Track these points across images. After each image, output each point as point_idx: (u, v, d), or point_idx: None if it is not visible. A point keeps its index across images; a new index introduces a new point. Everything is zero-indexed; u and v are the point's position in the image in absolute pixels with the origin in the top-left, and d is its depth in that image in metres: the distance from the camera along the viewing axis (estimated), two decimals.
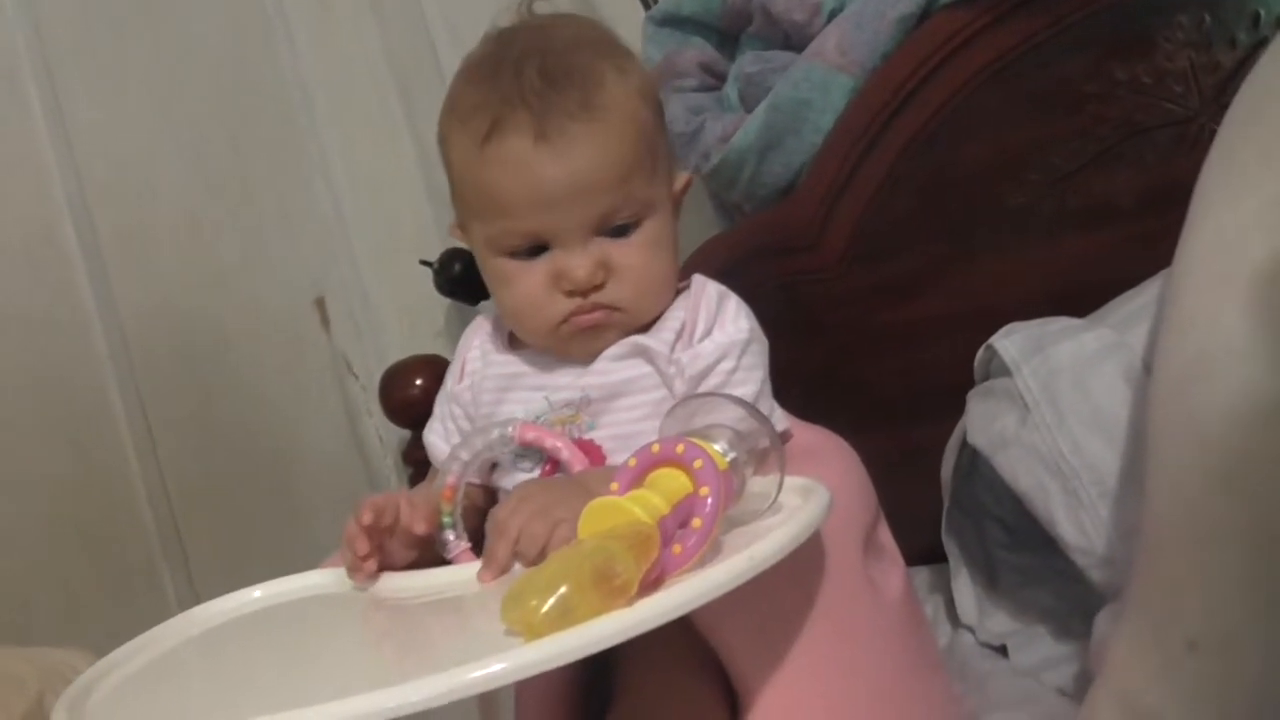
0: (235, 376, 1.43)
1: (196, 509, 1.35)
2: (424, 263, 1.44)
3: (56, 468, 1.24)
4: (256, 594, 0.78)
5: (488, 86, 0.75)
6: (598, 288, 0.76)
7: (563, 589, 0.51)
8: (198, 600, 1.29)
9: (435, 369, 1.31)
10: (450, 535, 0.75)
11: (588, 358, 0.78)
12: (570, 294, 0.76)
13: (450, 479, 0.75)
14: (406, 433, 1.41)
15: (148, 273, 1.35)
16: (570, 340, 0.78)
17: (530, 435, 0.75)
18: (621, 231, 0.76)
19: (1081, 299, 0.94)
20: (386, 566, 0.74)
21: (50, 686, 0.79)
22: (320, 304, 1.54)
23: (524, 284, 0.77)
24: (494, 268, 0.78)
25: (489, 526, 0.76)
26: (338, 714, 0.48)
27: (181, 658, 0.70)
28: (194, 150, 1.43)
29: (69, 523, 1.24)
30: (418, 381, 1.34)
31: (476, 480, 0.79)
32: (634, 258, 0.76)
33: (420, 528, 0.73)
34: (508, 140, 0.74)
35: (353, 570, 0.73)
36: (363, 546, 0.72)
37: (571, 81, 0.74)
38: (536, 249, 0.76)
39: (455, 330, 1.53)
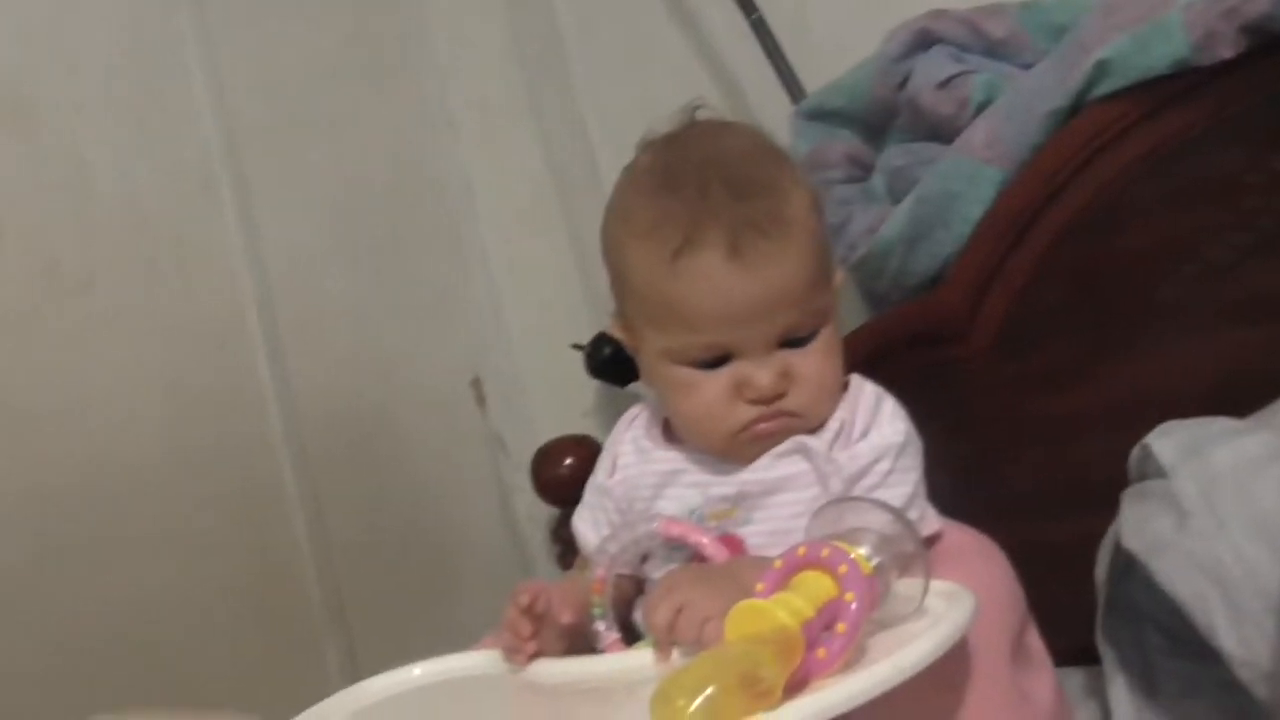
0: (398, 454, 1.50)
1: (359, 581, 1.41)
2: (575, 346, 1.48)
3: (231, 538, 1.33)
4: (416, 672, 0.81)
5: (673, 200, 0.76)
6: (779, 396, 0.77)
7: (709, 690, 0.53)
8: (357, 670, 1.37)
9: (584, 449, 1.35)
10: (601, 626, 0.77)
11: (753, 459, 0.80)
12: (752, 403, 0.77)
13: (599, 571, 0.78)
14: (556, 511, 1.44)
15: (320, 356, 1.44)
16: (746, 446, 0.79)
17: (675, 531, 0.77)
18: (799, 341, 0.77)
19: (1239, 395, 0.92)
20: (539, 654, 0.76)
21: None
22: (476, 385, 1.61)
23: (705, 393, 0.78)
24: (670, 375, 0.79)
25: (639, 618, 0.79)
26: None
27: None
28: (364, 241, 1.53)
29: (241, 592, 1.32)
30: (567, 461, 1.38)
31: (626, 571, 0.81)
32: (813, 366, 0.77)
33: (566, 617, 0.75)
34: (700, 257, 0.74)
35: (512, 652, 0.76)
36: (525, 628, 0.74)
37: (758, 196, 0.75)
38: (717, 360, 0.77)
39: (604, 411, 1.57)
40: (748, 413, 0.77)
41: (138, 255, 1.30)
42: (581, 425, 1.54)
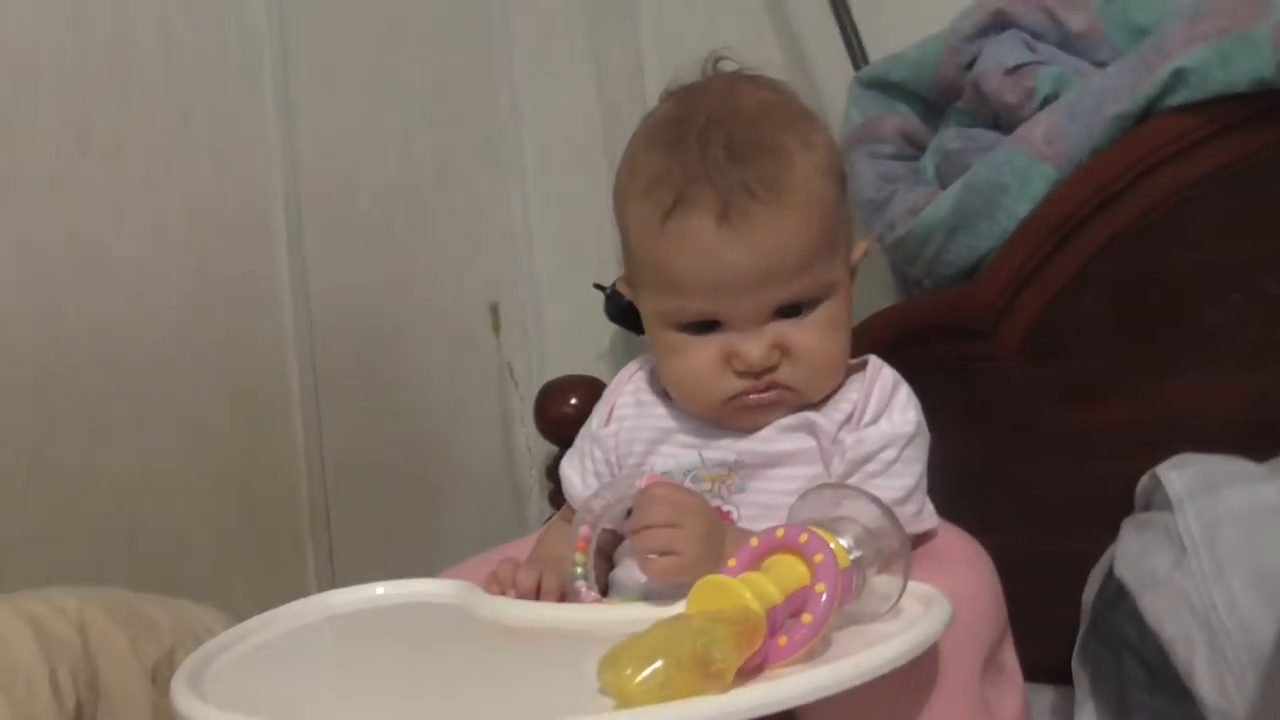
0: (405, 367, 1.49)
1: (348, 488, 1.41)
2: (597, 286, 1.46)
3: (229, 428, 1.32)
4: (379, 590, 0.80)
5: (671, 157, 0.73)
6: (771, 369, 0.74)
7: (659, 663, 0.51)
8: (334, 576, 1.36)
9: (591, 390, 1.32)
10: (582, 586, 0.75)
11: (752, 429, 0.77)
12: (742, 374, 0.75)
13: (584, 530, 0.76)
14: (554, 449, 1.43)
15: (341, 259, 1.42)
16: (736, 415, 0.77)
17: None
18: (798, 311, 0.74)
19: (1271, 437, 0.89)
20: None
21: (182, 642, 0.83)
22: (494, 310, 1.59)
23: (694, 359, 0.75)
24: (662, 338, 0.77)
25: (614, 576, 0.78)
26: None
27: (299, 642, 0.73)
28: (400, 150, 1.50)
29: (232, 483, 1.31)
30: (572, 400, 1.36)
31: (610, 526, 0.79)
32: (810, 339, 0.74)
33: (551, 599, 0.75)
34: (690, 220, 0.72)
35: (503, 588, 0.76)
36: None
37: (758, 158, 0.72)
38: (709, 325, 0.75)
39: (618, 355, 1.55)
40: (737, 384, 0.75)
41: (171, 129, 1.28)
42: (594, 367, 1.52)
